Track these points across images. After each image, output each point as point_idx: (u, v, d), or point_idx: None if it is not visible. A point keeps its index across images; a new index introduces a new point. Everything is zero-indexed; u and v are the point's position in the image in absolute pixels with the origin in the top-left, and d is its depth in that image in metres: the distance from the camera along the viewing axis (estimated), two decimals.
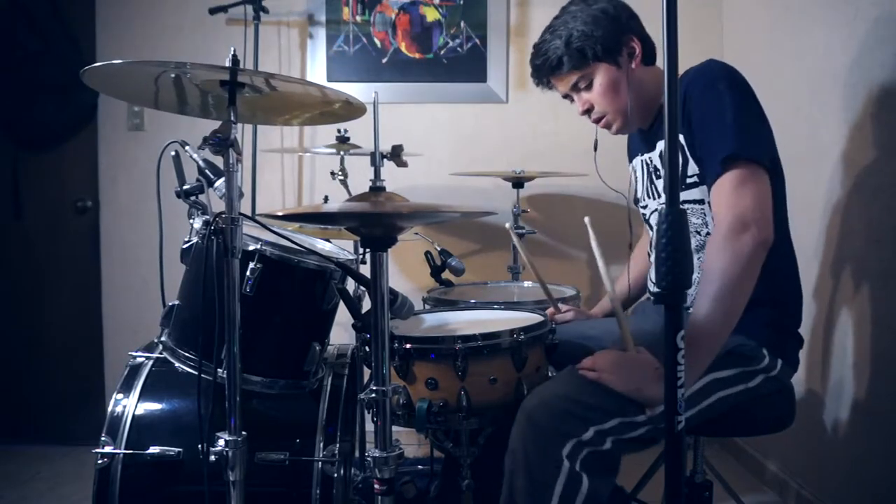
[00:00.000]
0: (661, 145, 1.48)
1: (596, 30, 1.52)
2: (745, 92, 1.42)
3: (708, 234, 1.49)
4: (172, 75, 1.34)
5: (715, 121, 1.38)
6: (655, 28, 1.50)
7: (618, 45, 1.53)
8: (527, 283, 2.36)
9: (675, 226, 0.91)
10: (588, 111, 1.60)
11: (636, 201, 1.73)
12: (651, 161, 1.63)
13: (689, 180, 1.47)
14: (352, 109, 1.56)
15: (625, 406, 1.31)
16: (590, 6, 1.55)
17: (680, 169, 1.44)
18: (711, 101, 1.40)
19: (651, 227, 1.69)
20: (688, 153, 1.45)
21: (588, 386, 1.33)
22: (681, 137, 1.43)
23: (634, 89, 1.54)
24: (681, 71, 1.53)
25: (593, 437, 1.28)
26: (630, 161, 1.77)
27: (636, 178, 1.72)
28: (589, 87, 1.57)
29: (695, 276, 1.52)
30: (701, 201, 1.47)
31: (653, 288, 1.62)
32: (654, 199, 1.64)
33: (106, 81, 1.47)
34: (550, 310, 1.81)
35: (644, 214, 1.70)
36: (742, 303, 1.32)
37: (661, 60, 1.07)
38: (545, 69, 1.58)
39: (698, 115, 1.41)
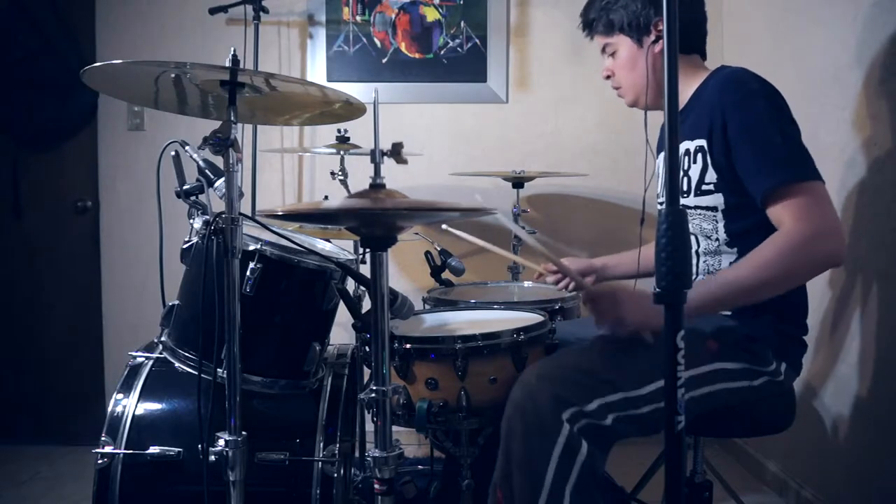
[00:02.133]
0: (684, 144, 1.47)
1: (632, 4, 1.54)
2: (785, 108, 1.40)
3: (718, 240, 1.47)
4: (172, 75, 1.34)
5: (766, 141, 1.36)
6: None
7: (647, 24, 1.54)
8: (527, 283, 2.36)
9: (675, 226, 0.91)
10: (609, 77, 1.65)
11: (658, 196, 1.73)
12: None
13: (704, 187, 1.45)
14: (352, 109, 1.57)
15: (627, 380, 1.31)
16: None
17: (698, 174, 1.45)
18: (757, 118, 1.37)
19: None
20: (708, 160, 1.43)
21: (591, 359, 1.34)
22: (703, 142, 1.43)
23: (654, 72, 1.54)
24: (716, 64, 1.55)
25: (596, 409, 1.28)
26: (656, 156, 1.76)
27: (661, 172, 1.72)
28: (613, 55, 1.61)
29: (696, 278, 1.52)
30: (714, 208, 1.45)
31: None
32: None
33: (106, 81, 1.47)
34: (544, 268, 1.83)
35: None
36: (765, 297, 1.34)
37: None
38: (584, 23, 1.65)
39: (737, 129, 1.38)
